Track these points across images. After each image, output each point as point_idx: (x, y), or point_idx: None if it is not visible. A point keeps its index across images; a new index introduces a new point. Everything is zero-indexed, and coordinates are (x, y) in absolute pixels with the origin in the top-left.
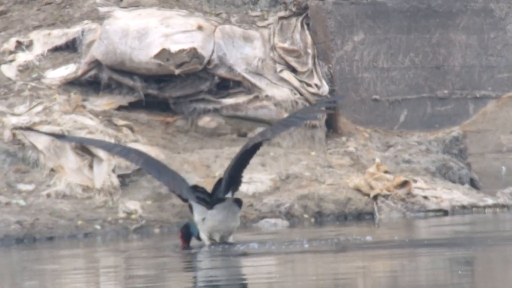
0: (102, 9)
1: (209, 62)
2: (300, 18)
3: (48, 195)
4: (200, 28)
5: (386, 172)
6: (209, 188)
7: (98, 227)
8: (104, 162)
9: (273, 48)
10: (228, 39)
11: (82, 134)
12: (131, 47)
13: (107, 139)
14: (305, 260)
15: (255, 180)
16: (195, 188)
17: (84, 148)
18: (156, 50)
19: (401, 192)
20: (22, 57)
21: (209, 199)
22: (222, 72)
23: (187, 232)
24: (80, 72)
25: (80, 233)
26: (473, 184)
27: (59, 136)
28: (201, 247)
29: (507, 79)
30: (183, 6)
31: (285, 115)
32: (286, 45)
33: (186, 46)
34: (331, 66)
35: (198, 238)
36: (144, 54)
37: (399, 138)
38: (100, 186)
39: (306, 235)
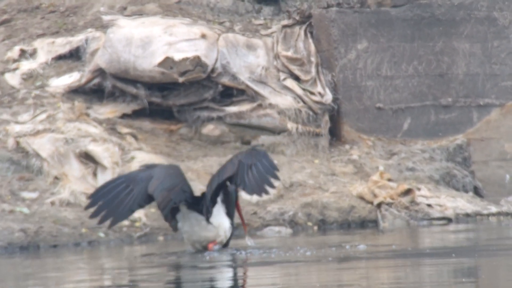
0: (105, 18)
1: (212, 70)
2: (304, 27)
3: (52, 203)
4: (203, 36)
5: (389, 180)
6: None
7: (102, 235)
8: (108, 170)
9: (276, 56)
10: (232, 47)
11: (86, 142)
12: (135, 55)
13: (110, 147)
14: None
15: None
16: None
17: (88, 155)
18: (159, 59)
19: (405, 200)
20: (26, 65)
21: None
22: (225, 80)
23: None
24: (84, 80)
25: (84, 241)
26: (477, 192)
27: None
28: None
29: (511, 87)
30: (187, 14)
31: (289, 123)
32: (290, 53)
33: (190, 54)
34: (334, 74)
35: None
36: (147, 62)
37: (402, 146)
38: None
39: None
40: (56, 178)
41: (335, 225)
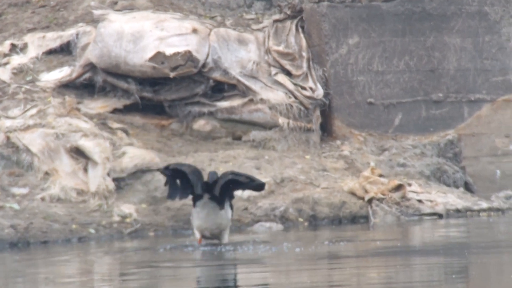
0: (96, 12)
1: (204, 65)
2: (295, 21)
3: (43, 199)
4: (195, 31)
5: (380, 175)
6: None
7: (92, 231)
8: (99, 166)
9: (267, 51)
10: (223, 42)
11: (77, 137)
12: (126, 50)
13: (101, 142)
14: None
15: None
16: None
17: (78, 151)
18: (151, 53)
19: (396, 195)
20: (17, 60)
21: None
22: (217, 75)
23: None
24: (74, 75)
25: (75, 237)
26: (467, 187)
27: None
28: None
29: (502, 82)
30: (178, 9)
31: (280, 118)
32: (281, 48)
33: (181, 49)
34: (325, 69)
35: None
36: (138, 57)
37: (393, 142)
38: (95, 190)
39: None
40: (46, 173)
41: (326, 221)
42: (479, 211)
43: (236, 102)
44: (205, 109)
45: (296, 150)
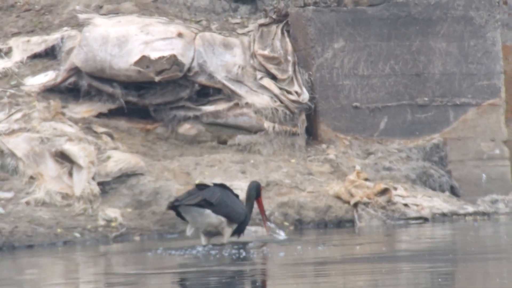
0: (81, 16)
1: (189, 69)
2: (281, 25)
3: (28, 203)
4: (180, 35)
5: (366, 179)
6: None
7: (77, 235)
8: (84, 170)
9: (253, 55)
10: (208, 46)
11: (62, 141)
12: (111, 54)
13: (86, 146)
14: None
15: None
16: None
17: (63, 155)
18: (136, 57)
19: (382, 199)
20: (1, 64)
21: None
22: (202, 79)
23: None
24: (59, 79)
25: (60, 241)
26: (453, 191)
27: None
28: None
29: (487, 86)
30: (163, 13)
31: (265, 122)
32: (266, 52)
33: (166, 53)
34: (311, 73)
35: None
36: (124, 61)
37: (379, 146)
38: (80, 194)
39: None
40: (31, 177)
41: (312, 224)
42: (465, 215)
43: (221, 106)
44: (191, 113)
45: (282, 154)
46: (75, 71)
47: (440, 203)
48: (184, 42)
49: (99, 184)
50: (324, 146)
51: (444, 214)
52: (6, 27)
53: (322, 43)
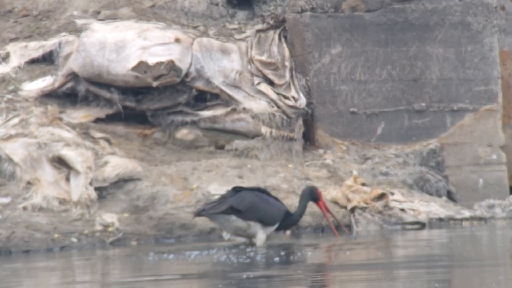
0: (79, 22)
1: (186, 74)
2: (278, 31)
3: (25, 208)
4: (177, 40)
5: (363, 184)
6: None
7: (74, 240)
8: (81, 175)
9: (250, 60)
10: (206, 51)
11: (59, 146)
12: (109, 59)
13: (84, 151)
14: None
15: None
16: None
17: (60, 160)
18: (133, 63)
19: (379, 204)
20: None
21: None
22: (199, 84)
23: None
24: (57, 84)
25: (57, 246)
26: (450, 196)
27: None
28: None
29: (484, 92)
30: (161, 18)
31: (263, 127)
32: (264, 57)
33: (164, 58)
34: (308, 78)
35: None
36: (121, 67)
37: (376, 151)
38: (77, 199)
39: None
40: (28, 183)
41: (309, 229)
42: (461, 220)
43: (219, 111)
44: (188, 118)
45: (279, 159)
46: (73, 76)
47: (437, 208)
48: (181, 47)
49: (96, 189)
50: (321, 151)
51: (441, 219)
52: (4, 32)
53: (319, 48)
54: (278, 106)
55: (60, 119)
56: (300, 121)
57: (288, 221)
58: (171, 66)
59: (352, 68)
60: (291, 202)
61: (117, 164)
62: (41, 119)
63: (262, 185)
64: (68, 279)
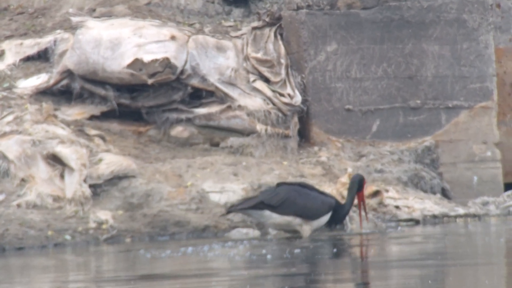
0: (74, 19)
1: (182, 72)
2: (274, 29)
3: (19, 205)
4: (173, 38)
5: None
6: None
7: (68, 237)
8: (76, 172)
9: (246, 58)
10: (201, 49)
11: (54, 144)
12: (104, 57)
13: (78, 148)
14: None
15: (227, 190)
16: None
17: (55, 157)
18: (128, 60)
19: (373, 201)
20: None
21: None
22: (195, 82)
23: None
24: (52, 81)
25: (50, 243)
26: (444, 193)
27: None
28: None
29: (480, 89)
30: (156, 16)
31: (258, 125)
32: (259, 55)
33: (159, 56)
34: (304, 76)
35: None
36: (116, 64)
37: (371, 148)
38: (71, 196)
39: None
40: (23, 180)
41: None
42: (456, 217)
43: (214, 108)
44: (183, 116)
45: (274, 156)
46: (68, 73)
47: (431, 205)
48: (177, 45)
49: (91, 186)
50: (316, 148)
51: (435, 216)
52: None
53: (315, 46)
54: (273, 104)
55: (55, 116)
56: (296, 119)
57: (339, 213)
58: (166, 63)
59: (348, 66)
60: None
61: (111, 161)
62: (36, 116)
63: (256, 183)
64: (61, 276)
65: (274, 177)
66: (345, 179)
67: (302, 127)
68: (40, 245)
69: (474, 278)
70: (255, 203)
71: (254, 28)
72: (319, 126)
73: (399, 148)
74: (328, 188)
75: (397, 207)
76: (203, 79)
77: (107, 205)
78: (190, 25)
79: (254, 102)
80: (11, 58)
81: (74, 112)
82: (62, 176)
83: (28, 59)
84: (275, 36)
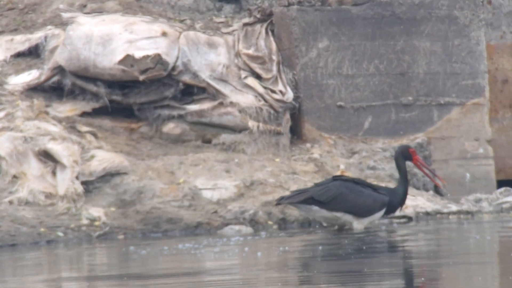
0: (65, 15)
1: (173, 68)
2: (265, 25)
3: (11, 202)
4: (164, 34)
5: None
6: None
7: (60, 234)
8: (68, 169)
9: (237, 54)
10: (193, 45)
11: (45, 140)
12: (95, 53)
13: (70, 145)
14: None
15: (220, 187)
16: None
17: (47, 154)
18: (120, 56)
19: None
20: None
21: None
22: (186, 78)
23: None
24: (43, 78)
25: (43, 240)
26: (437, 190)
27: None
28: None
29: (471, 86)
30: (147, 12)
31: (250, 121)
32: (251, 51)
33: (151, 52)
34: (295, 72)
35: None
36: (108, 60)
37: (363, 145)
38: (63, 193)
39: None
40: (14, 177)
41: (296, 224)
42: (448, 214)
43: (206, 105)
44: (175, 112)
45: (266, 153)
46: (59, 70)
47: (424, 202)
48: (168, 41)
49: (83, 183)
50: (308, 145)
51: (427, 213)
52: None
53: (307, 42)
54: (265, 100)
55: (46, 113)
56: (288, 115)
57: (393, 202)
58: (158, 59)
59: (339, 62)
60: (278, 196)
61: (103, 158)
62: (27, 113)
63: (248, 180)
64: (53, 273)
65: (266, 174)
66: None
67: (294, 124)
68: (32, 242)
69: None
70: (305, 198)
71: (245, 25)
72: (311, 123)
73: (392, 145)
74: None
75: None
76: (195, 75)
77: (100, 202)
78: (181, 21)
79: (245, 99)
80: (1, 54)
81: (66, 108)
82: (54, 173)
83: (18, 55)
84: (266, 32)
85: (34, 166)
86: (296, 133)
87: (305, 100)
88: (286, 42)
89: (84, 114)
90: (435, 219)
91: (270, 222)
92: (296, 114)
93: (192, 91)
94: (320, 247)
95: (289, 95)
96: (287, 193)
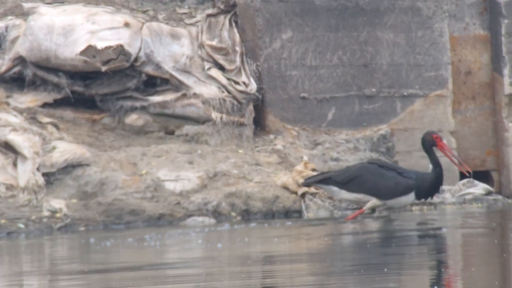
0: (26, 5)
1: (136, 59)
2: (228, 16)
3: None
4: (127, 25)
5: (313, 170)
6: None
7: (21, 226)
8: (29, 161)
9: (201, 45)
10: (156, 36)
11: (6, 131)
12: (56, 43)
13: (31, 136)
14: None
15: (182, 178)
16: None
17: (8, 145)
18: (82, 47)
19: None
20: None
21: None
22: (149, 69)
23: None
24: (3, 68)
25: (3, 232)
26: None
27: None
28: None
29: (435, 77)
30: (109, 2)
31: (213, 113)
32: (214, 42)
33: (113, 43)
34: (259, 64)
35: None
36: (69, 51)
37: (327, 136)
38: (24, 185)
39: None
40: None
41: (259, 215)
42: (411, 205)
43: (169, 96)
44: (138, 104)
45: (229, 144)
46: (20, 60)
47: None
48: (131, 32)
49: (44, 175)
50: (271, 136)
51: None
52: None
53: (270, 33)
54: (228, 92)
55: (7, 103)
56: (251, 107)
57: (423, 187)
58: (120, 50)
59: (303, 53)
60: (241, 188)
61: (65, 149)
62: None
63: (212, 171)
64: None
65: (230, 165)
66: (301, 167)
67: (258, 115)
68: None
69: None
70: (323, 178)
71: (209, 16)
72: (275, 114)
73: (355, 136)
74: (284, 176)
75: None
76: (158, 66)
77: (61, 193)
78: (144, 12)
79: (209, 90)
80: None
81: (27, 99)
82: (15, 165)
83: None
84: (230, 23)
85: None
86: (259, 125)
87: (269, 91)
88: (250, 33)
89: (45, 105)
90: (397, 211)
91: (233, 213)
92: (259, 106)
93: (155, 82)
94: (276, 239)
95: (253, 86)
96: (251, 184)
